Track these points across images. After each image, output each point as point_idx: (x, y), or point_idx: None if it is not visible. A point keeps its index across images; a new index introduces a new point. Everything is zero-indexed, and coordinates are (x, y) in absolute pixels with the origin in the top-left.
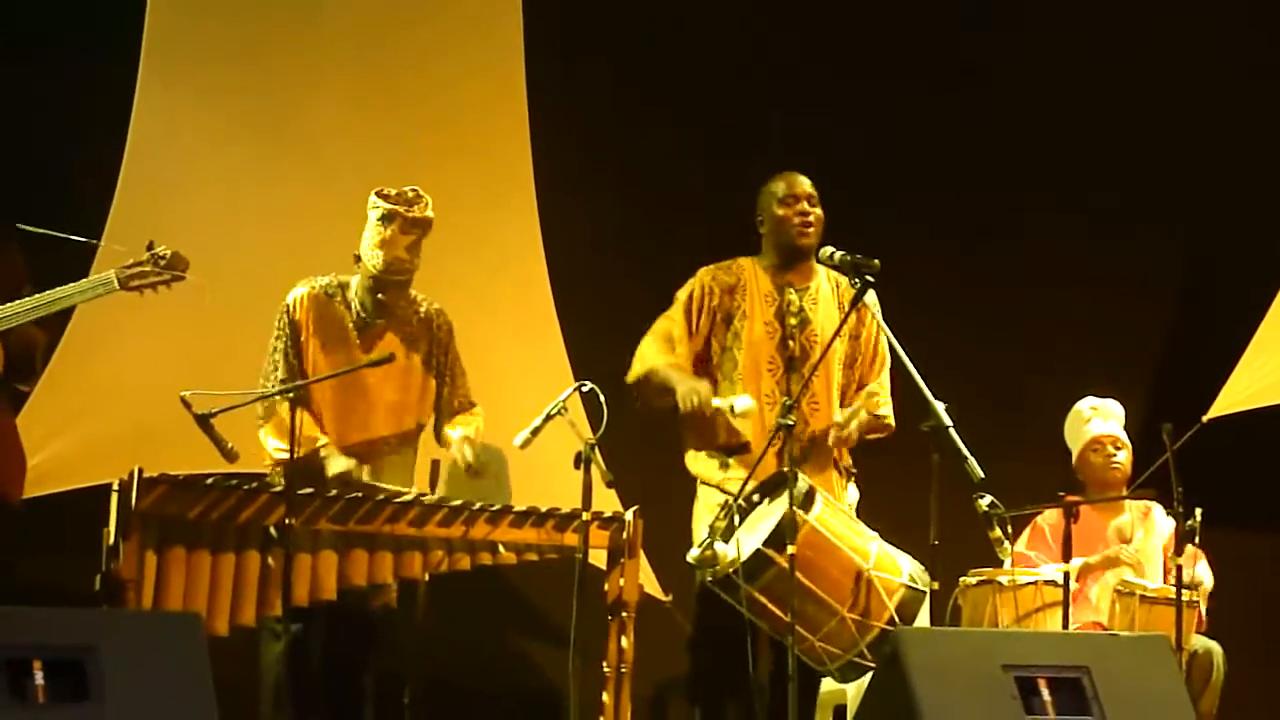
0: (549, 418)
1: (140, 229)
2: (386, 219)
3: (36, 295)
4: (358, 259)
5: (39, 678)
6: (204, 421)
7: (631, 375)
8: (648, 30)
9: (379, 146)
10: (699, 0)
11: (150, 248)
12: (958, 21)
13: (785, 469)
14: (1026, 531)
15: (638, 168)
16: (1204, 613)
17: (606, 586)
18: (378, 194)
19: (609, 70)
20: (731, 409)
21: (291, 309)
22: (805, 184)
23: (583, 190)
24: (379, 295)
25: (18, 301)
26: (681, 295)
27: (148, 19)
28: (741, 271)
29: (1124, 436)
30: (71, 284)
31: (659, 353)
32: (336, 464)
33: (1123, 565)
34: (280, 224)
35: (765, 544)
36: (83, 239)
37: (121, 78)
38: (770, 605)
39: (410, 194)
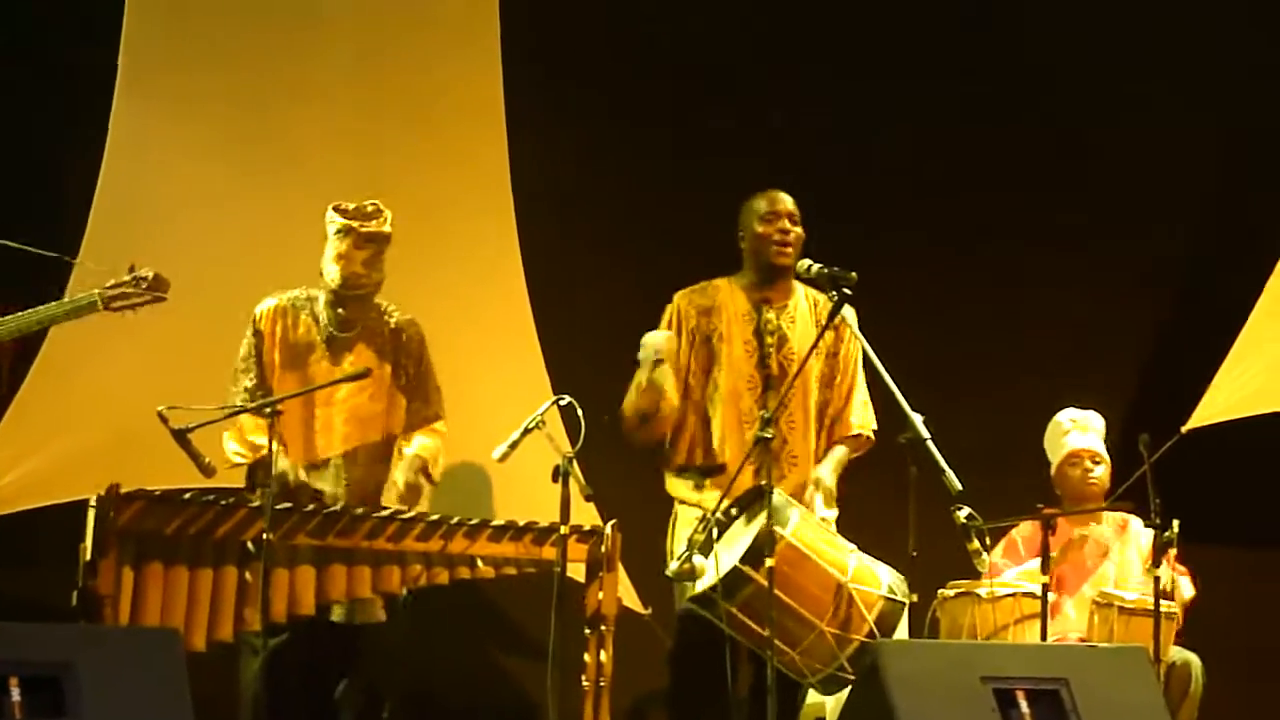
0: (527, 431)
1: (118, 240)
2: (343, 233)
3: (18, 314)
4: (322, 273)
5: (15, 694)
6: (181, 436)
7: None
8: (627, 38)
9: (357, 157)
10: (679, 6)
11: (132, 270)
12: (957, 21)
13: (762, 484)
14: (1001, 543)
15: (618, 178)
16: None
17: (585, 600)
18: (335, 208)
19: (588, 79)
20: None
21: (258, 320)
22: (787, 202)
23: (562, 201)
24: (340, 310)
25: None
26: (660, 326)
27: (125, 27)
28: (717, 293)
29: (1102, 450)
30: (54, 303)
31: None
32: (278, 464)
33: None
34: (259, 236)
35: (742, 560)
36: (56, 255)
37: (98, 87)
38: (749, 621)
39: (369, 208)
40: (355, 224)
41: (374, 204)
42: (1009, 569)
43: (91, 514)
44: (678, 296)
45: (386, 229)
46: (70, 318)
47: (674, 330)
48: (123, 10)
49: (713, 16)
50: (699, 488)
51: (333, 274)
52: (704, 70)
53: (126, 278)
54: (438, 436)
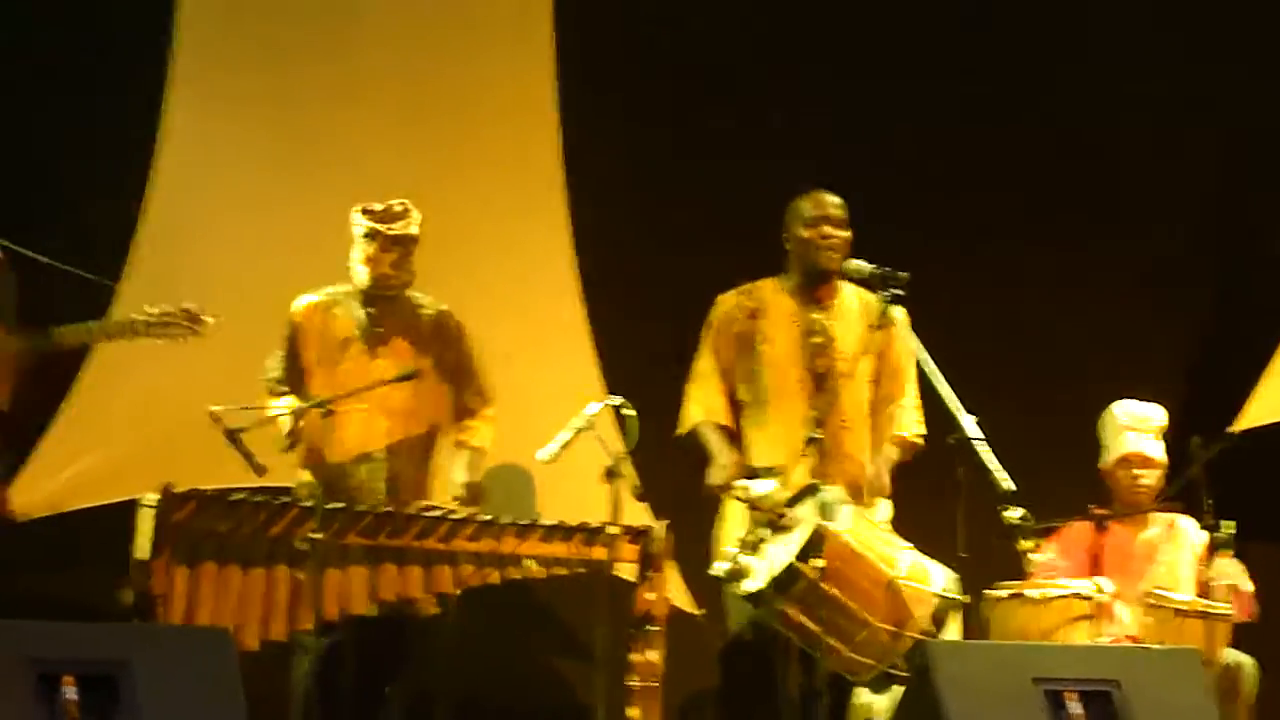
0: (577, 432)
1: (168, 240)
2: (370, 236)
3: (58, 329)
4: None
5: (71, 693)
6: (233, 436)
7: (678, 429)
8: (681, 34)
9: (406, 157)
10: (733, 5)
11: (178, 304)
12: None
13: (812, 482)
14: (1052, 543)
15: (671, 176)
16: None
17: (635, 600)
18: (362, 210)
19: (643, 74)
20: (748, 492)
21: (293, 316)
22: (832, 205)
23: (615, 199)
24: (371, 309)
25: (43, 331)
26: (706, 330)
27: (177, 30)
28: (763, 294)
29: (1158, 454)
30: (94, 323)
31: (697, 404)
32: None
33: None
34: (308, 237)
35: (794, 557)
36: (97, 278)
37: (150, 90)
38: (801, 618)
39: (397, 209)
40: (382, 226)
41: (402, 204)
42: (1060, 569)
43: (145, 514)
44: (721, 299)
45: (414, 230)
46: (107, 339)
47: (719, 337)
48: (173, 11)
49: (776, 12)
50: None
51: (361, 276)
52: (762, 68)
53: (168, 307)
54: (491, 424)
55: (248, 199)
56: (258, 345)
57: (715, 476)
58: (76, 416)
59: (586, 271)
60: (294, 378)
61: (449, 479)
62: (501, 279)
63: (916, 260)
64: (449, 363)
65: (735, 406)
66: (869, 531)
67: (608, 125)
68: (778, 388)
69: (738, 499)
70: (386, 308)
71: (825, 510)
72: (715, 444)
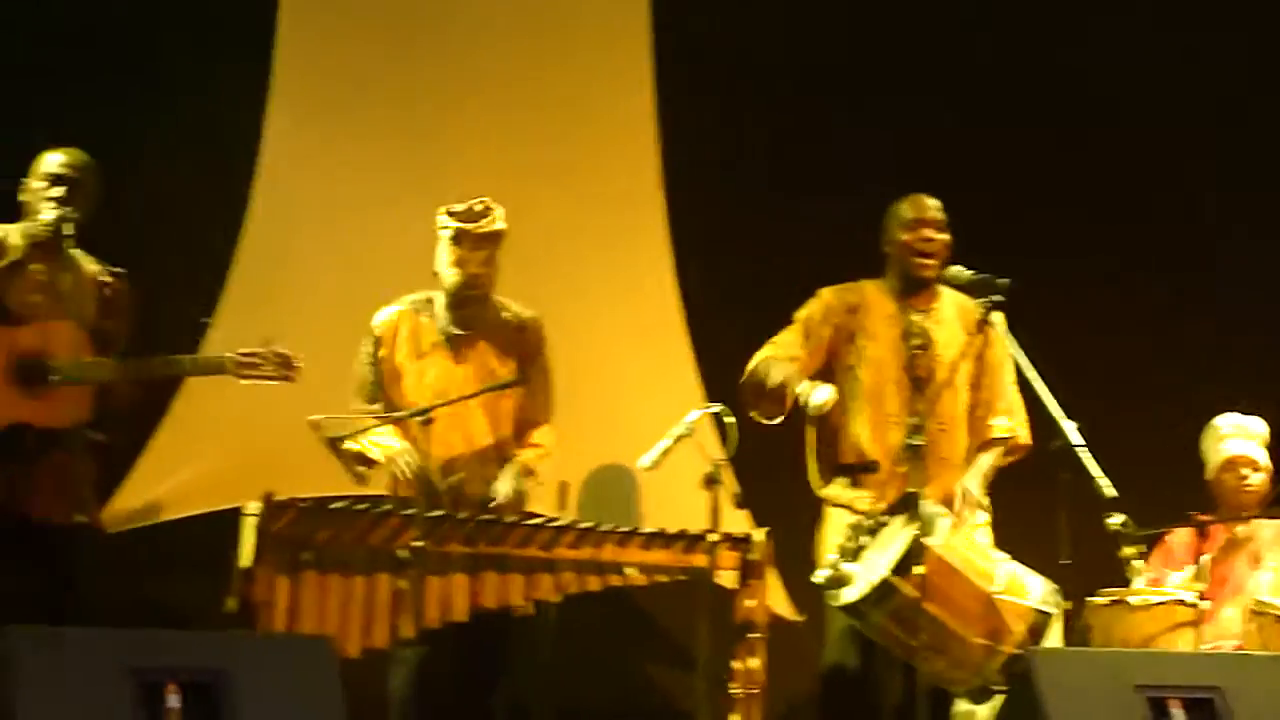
0: (677, 439)
1: (270, 250)
2: (457, 238)
3: (149, 359)
4: (436, 275)
5: (174, 700)
6: (334, 445)
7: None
8: (783, 34)
9: (507, 163)
10: (837, 7)
11: (267, 343)
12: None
13: (912, 491)
14: (1156, 550)
15: (771, 177)
16: None
17: (736, 607)
18: (446, 212)
19: (740, 76)
20: (807, 401)
21: (375, 329)
22: (932, 208)
23: (715, 206)
24: (459, 311)
25: (136, 360)
26: (800, 314)
27: (277, 47)
28: (864, 292)
29: (1262, 457)
30: (186, 356)
31: (764, 355)
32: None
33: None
34: (407, 244)
35: (892, 570)
36: (201, 320)
37: (250, 104)
38: (898, 630)
39: (479, 208)
40: (469, 226)
41: (483, 202)
42: (1165, 576)
43: (247, 522)
44: (823, 290)
45: (499, 226)
46: (199, 373)
47: (814, 322)
48: (275, 21)
49: (876, 17)
50: (851, 486)
51: (451, 277)
52: (862, 72)
53: (261, 349)
54: (546, 447)
55: (346, 206)
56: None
57: (775, 378)
58: (178, 426)
59: (686, 278)
60: (383, 391)
61: (494, 486)
62: (601, 286)
63: (1019, 265)
64: (526, 369)
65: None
66: (967, 544)
67: (707, 129)
68: (874, 386)
69: (818, 491)
70: (473, 311)
71: (924, 523)
72: (775, 363)
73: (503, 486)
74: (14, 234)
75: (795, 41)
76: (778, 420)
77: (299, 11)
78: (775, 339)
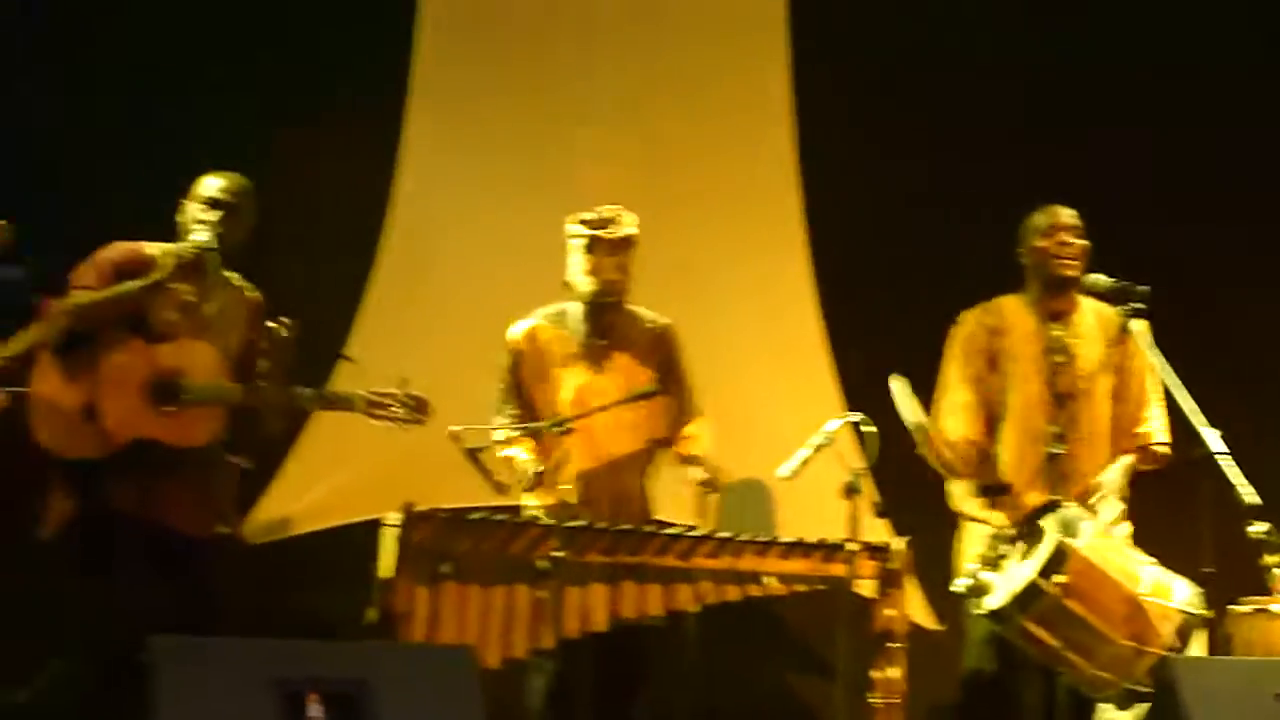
0: (816, 449)
1: (409, 259)
2: (590, 245)
3: (284, 389)
4: (567, 285)
5: (315, 710)
6: (473, 455)
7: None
8: (926, 37)
9: (643, 173)
10: (980, 18)
11: (403, 384)
12: None
13: (1055, 497)
14: None
15: (910, 188)
16: None
17: (875, 617)
18: (577, 221)
19: (880, 80)
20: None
21: (512, 344)
22: (1067, 215)
23: (854, 213)
24: (596, 319)
25: (265, 388)
26: (950, 348)
27: (414, 60)
28: (1004, 311)
29: None
30: (316, 390)
31: (947, 434)
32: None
33: None
34: (545, 255)
35: (1036, 574)
36: (342, 356)
37: (389, 118)
38: (1042, 635)
39: (609, 214)
40: (602, 233)
41: (613, 209)
42: None
43: (387, 533)
44: (965, 316)
45: (631, 231)
46: (327, 408)
47: (963, 355)
48: (412, 33)
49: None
50: (988, 506)
51: (587, 285)
52: (1002, 72)
53: (394, 390)
54: (707, 432)
55: (482, 220)
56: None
57: (959, 500)
58: (319, 438)
59: (825, 287)
60: (521, 404)
61: (690, 478)
62: (740, 297)
63: (1161, 273)
64: (669, 375)
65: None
66: (1111, 547)
67: (843, 133)
68: (1019, 405)
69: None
70: (610, 320)
71: (1067, 526)
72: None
73: (695, 475)
74: (164, 254)
75: (936, 53)
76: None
77: (436, 27)
78: (946, 401)
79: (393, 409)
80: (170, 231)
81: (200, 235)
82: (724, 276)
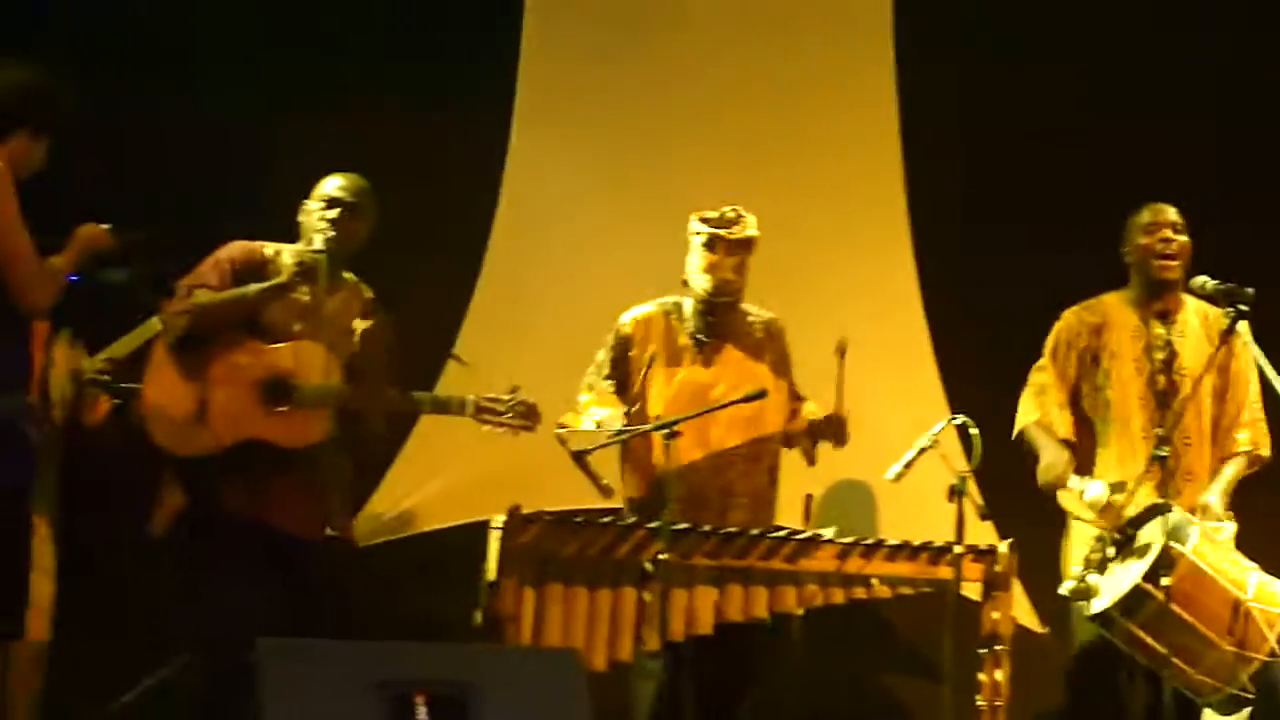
0: (922, 451)
1: (514, 270)
2: (710, 244)
3: (395, 392)
4: (685, 282)
5: (423, 712)
6: (579, 458)
7: (1014, 432)
8: (1027, 35)
9: (747, 175)
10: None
11: (514, 391)
12: None
13: (1161, 500)
14: None
15: (1014, 187)
16: None
17: (981, 619)
18: (699, 218)
19: (982, 78)
20: (1081, 495)
21: (623, 327)
22: (1170, 212)
23: (958, 213)
24: (709, 317)
25: (376, 391)
26: (1049, 342)
27: (521, 67)
28: (1106, 309)
29: None
30: (428, 394)
31: (1028, 409)
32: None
33: None
34: (647, 255)
35: (1144, 578)
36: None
37: (495, 126)
38: (1148, 639)
39: (731, 214)
40: (723, 232)
41: (734, 209)
42: None
43: (493, 535)
44: (1066, 313)
45: (751, 232)
46: (438, 412)
47: (1061, 351)
48: (519, 42)
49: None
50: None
51: (704, 283)
52: (1110, 73)
53: (505, 395)
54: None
55: (588, 223)
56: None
57: (1044, 475)
58: (426, 440)
59: (929, 289)
60: (617, 383)
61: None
62: (844, 298)
63: (1264, 273)
64: (779, 367)
65: (1077, 418)
66: (1217, 552)
67: (950, 131)
68: (1120, 404)
69: (1063, 503)
70: (722, 316)
71: (1173, 531)
72: (1044, 442)
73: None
74: (285, 254)
75: (1042, 46)
76: None
77: (542, 33)
78: (1032, 381)
79: (503, 415)
80: (285, 234)
81: (318, 239)
82: (828, 277)
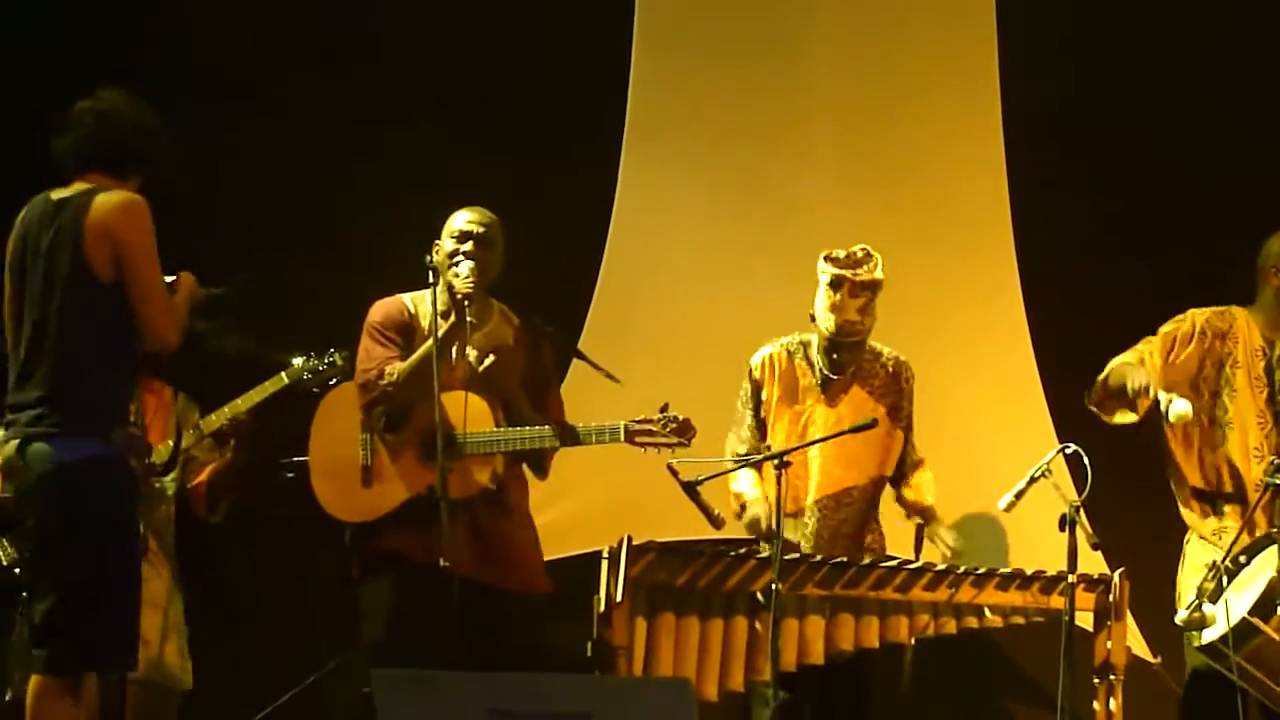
0: (1033, 480)
1: (624, 302)
2: (836, 284)
3: (530, 429)
4: (813, 318)
5: None
6: (690, 489)
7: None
8: (1128, 73)
9: (855, 205)
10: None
11: (664, 409)
12: None
13: (1273, 530)
14: None
15: (1122, 211)
16: None
17: (1094, 649)
18: (826, 258)
19: (1083, 98)
20: (1169, 404)
21: (754, 370)
22: None
23: (1066, 241)
24: (834, 355)
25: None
26: (1166, 328)
27: (630, 96)
28: (1234, 320)
29: None
30: (582, 425)
31: (1123, 360)
32: (750, 511)
33: None
34: (758, 289)
35: (1250, 611)
36: (612, 377)
37: (606, 154)
38: (1258, 672)
39: (859, 254)
40: (848, 273)
41: (863, 249)
42: None
43: (605, 565)
44: (1193, 311)
45: (878, 275)
46: (595, 441)
47: (1179, 339)
48: (629, 72)
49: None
50: (1207, 514)
51: (828, 323)
52: (1224, 106)
53: (656, 415)
54: (930, 477)
55: (698, 253)
56: (711, 398)
57: (1136, 377)
58: None
59: (1037, 319)
60: (758, 430)
61: (937, 537)
62: (956, 330)
63: None
64: (901, 411)
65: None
66: None
67: (1054, 171)
68: (1239, 417)
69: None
70: (847, 355)
71: None
72: (1133, 368)
73: (947, 538)
74: (422, 301)
75: (1136, 80)
76: (1127, 420)
77: (651, 62)
78: (1135, 347)
79: (657, 435)
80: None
81: (459, 284)
82: (940, 310)
